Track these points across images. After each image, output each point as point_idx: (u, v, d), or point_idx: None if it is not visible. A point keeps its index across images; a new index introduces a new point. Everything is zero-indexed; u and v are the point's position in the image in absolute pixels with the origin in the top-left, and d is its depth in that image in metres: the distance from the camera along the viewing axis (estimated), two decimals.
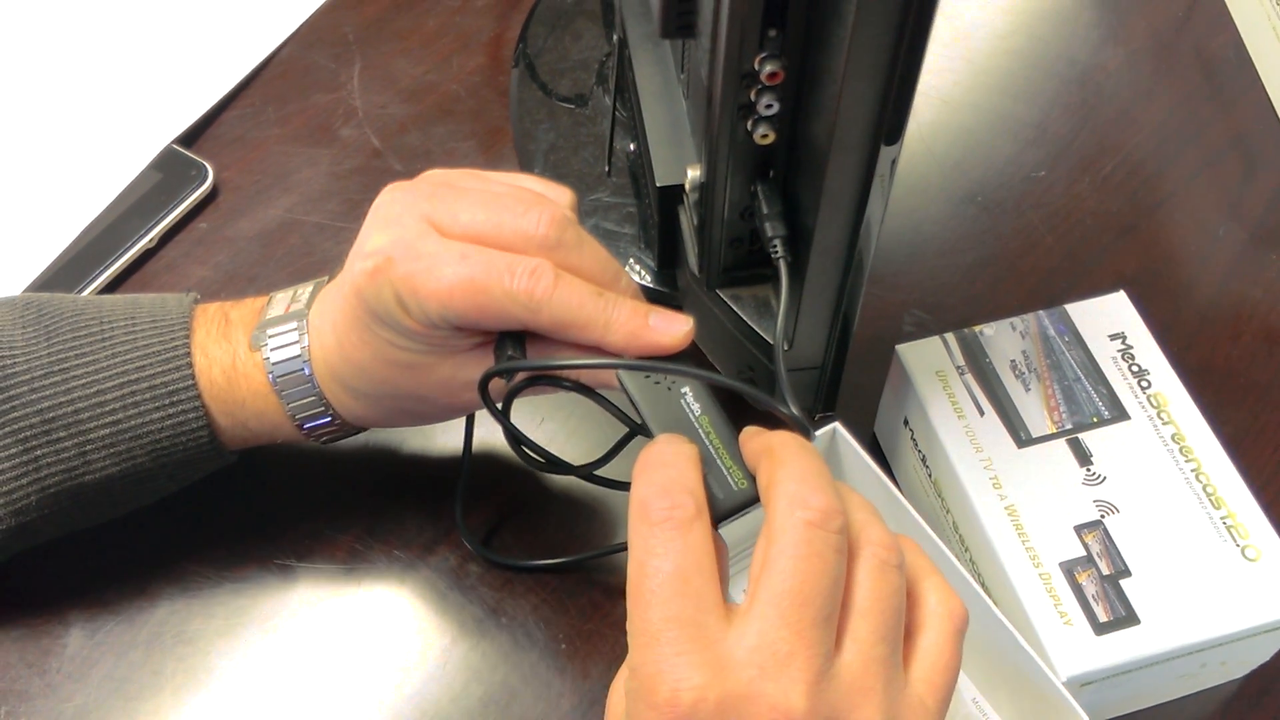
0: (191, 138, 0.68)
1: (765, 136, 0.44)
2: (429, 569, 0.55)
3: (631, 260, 0.61)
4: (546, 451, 0.50)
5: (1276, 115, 0.69)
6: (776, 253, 0.45)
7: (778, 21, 0.41)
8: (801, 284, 0.46)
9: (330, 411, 0.50)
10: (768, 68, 0.41)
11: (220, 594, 0.55)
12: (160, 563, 0.55)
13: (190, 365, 0.48)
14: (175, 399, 0.48)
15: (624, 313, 0.43)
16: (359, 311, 0.45)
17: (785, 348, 0.47)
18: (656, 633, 0.35)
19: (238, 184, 0.67)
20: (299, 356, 0.48)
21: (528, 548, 0.56)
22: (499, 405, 0.46)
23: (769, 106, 0.43)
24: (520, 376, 0.44)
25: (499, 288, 0.42)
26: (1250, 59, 0.71)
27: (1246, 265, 0.64)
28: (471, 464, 0.56)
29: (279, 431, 0.50)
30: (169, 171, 0.66)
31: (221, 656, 0.53)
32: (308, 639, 0.54)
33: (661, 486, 0.37)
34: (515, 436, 0.48)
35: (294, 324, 0.48)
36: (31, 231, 0.64)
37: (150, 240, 0.64)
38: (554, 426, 0.59)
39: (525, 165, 0.66)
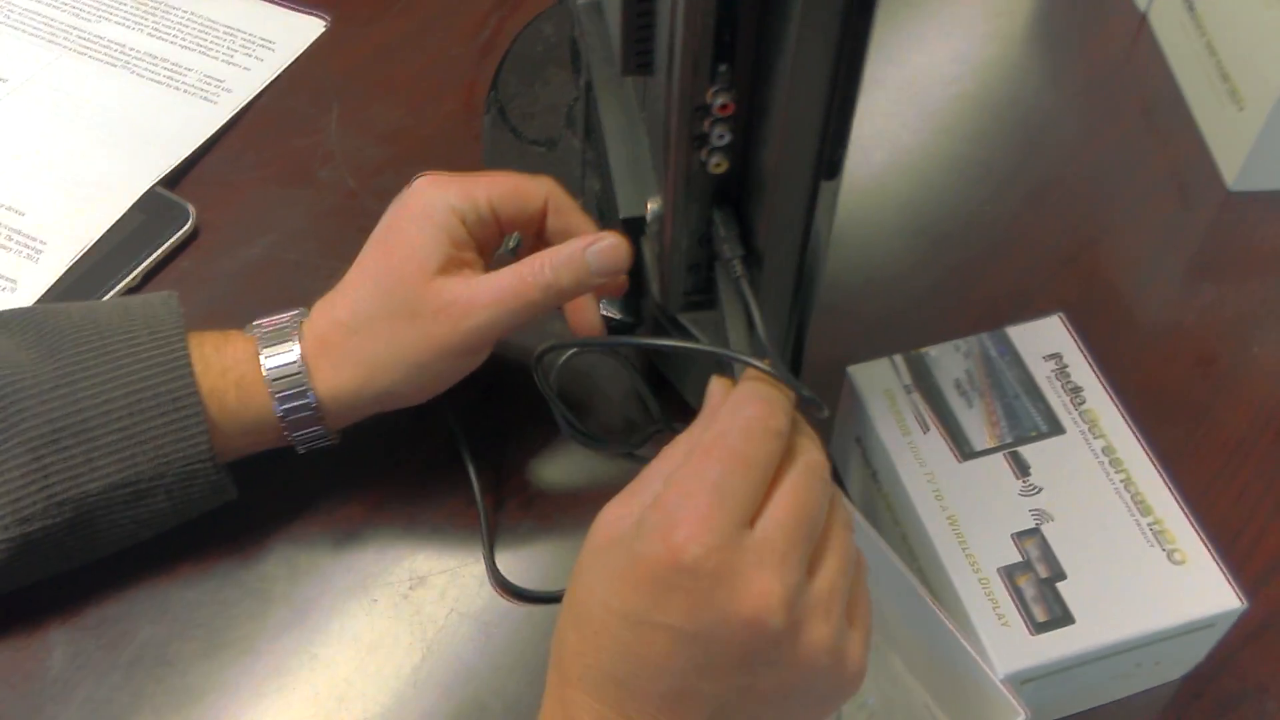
0: (174, 180, 0.71)
1: (719, 165, 0.47)
2: (402, 590, 0.57)
3: None
4: (588, 430, 0.55)
5: (1209, 152, 0.73)
6: (736, 271, 0.48)
7: (727, 57, 0.44)
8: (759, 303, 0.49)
9: (311, 391, 0.53)
10: (719, 100, 0.44)
11: (200, 617, 0.57)
12: (142, 587, 0.57)
13: (191, 374, 0.52)
14: (179, 405, 0.52)
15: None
16: (401, 217, 0.54)
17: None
18: (705, 488, 0.40)
19: (219, 224, 0.70)
20: (289, 328, 0.54)
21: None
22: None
23: (721, 137, 0.46)
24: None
25: (529, 180, 0.56)
26: (1185, 99, 0.75)
27: (1181, 293, 0.68)
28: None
29: (265, 422, 0.54)
30: (152, 213, 0.69)
31: (201, 678, 0.55)
32: (284, 659, 0.56)
33: (765, 401, 0.43)
34: (563, 415, 0.54)
35: (290, 314, 0.55)
36: (18, 270, 0.66)
37: (133, 279, 0.66)
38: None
39: None
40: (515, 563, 0.58)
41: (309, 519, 0.59)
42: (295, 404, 0.53)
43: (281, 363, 0.53)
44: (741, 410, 0.43)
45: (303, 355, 0.53)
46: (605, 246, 0.53)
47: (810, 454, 0.43)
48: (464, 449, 0.60)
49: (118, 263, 0.67)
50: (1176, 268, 0.69)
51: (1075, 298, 0.66)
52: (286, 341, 0.54)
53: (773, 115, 0.44)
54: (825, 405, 0.45)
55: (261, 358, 0.53)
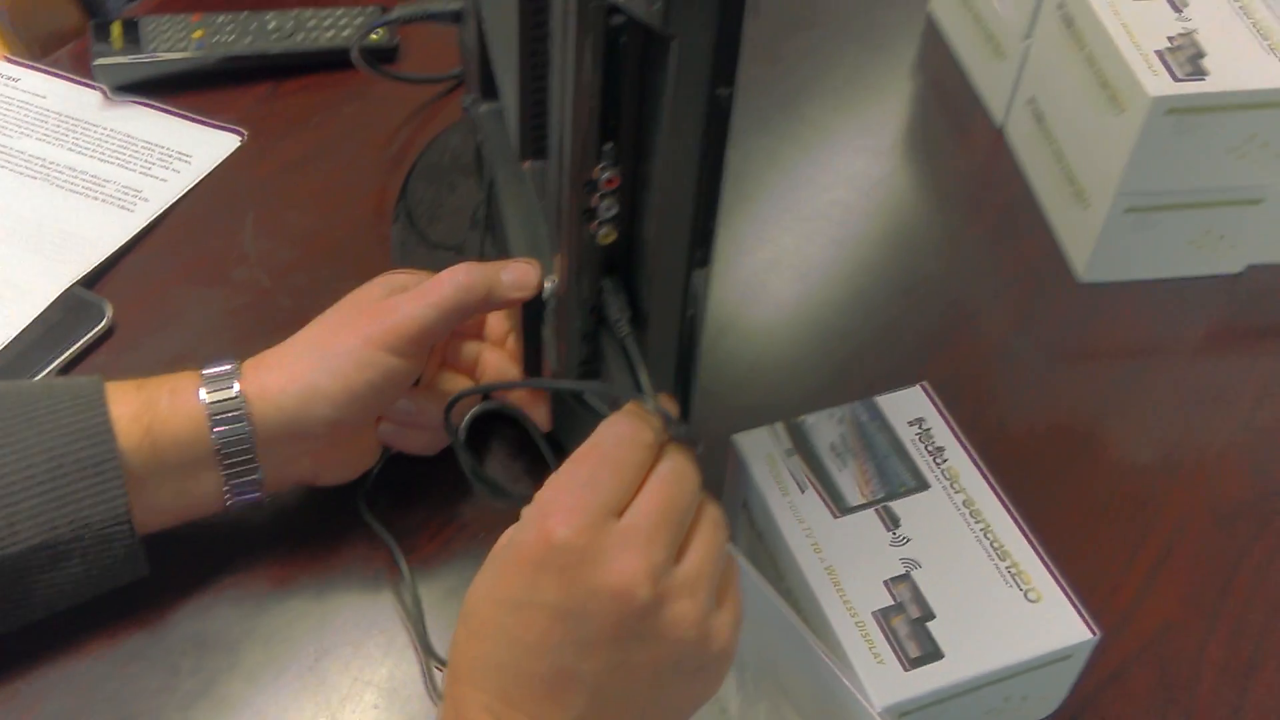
0: (92, 281, 0.74)
1: (607, 235, 0.52)
2: (308, 662, 0.59)
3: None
4: (497, 481, 0.58)
5: (1060, 247, 0.80)
6: (623, 331, 0.52)
7: (612, 136, 0.49)
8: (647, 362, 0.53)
9: (251, 429, 0.56)
10: (606, 174, 0.49)
11: (106, 691, 0.58)
12: (50, 662, 0.58)
13: (113, 439, 0.54)
14: (100, 469, 0.54)
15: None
16: (358, 294, 0.60)
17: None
18: (576, 483, 0.46)
19: (135, 322, 0.72)
20: (231, 373, 0.57)
21: None
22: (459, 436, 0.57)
23: (609, 209, 0.51)
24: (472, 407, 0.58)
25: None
26: (1038, 200, 0.82)
27: (1038, 372, 0.74)
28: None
29: (197, 478, 0.56)
30: (69, 310, 0.72)
31: None
32: None
33: (635, 418, 0.48)
34: (470, 466, 0.57)
35: (228, 364, 0.58)
36: None
37: (49, 372, 0.69)
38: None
39: None
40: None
41: (216, 592, 0.61)
42: (230, 426, 0.56)
43: (222, 396, 0.56)
44: (613, 425, 0.47)
45: (242, 389, 0.56)
46: (517, 264, 0.58)
47: (676, 459, 0.48)
48: (373, 520, 0.63)
49: (34, 357, 0.69)
50: (1035, 350, 0.75)
51: (944, 377, 0.71)
52: (227, 382, 0.57)
53: (652, 186, 0.49)
54: (700, 441, 0.49)
55: (201, 393, 0.56)
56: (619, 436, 0.47)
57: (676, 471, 0.47)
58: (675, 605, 0.45)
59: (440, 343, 0.63)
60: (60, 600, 0.56)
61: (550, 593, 0.44)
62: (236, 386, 0.56)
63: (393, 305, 0.57)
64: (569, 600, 0.44)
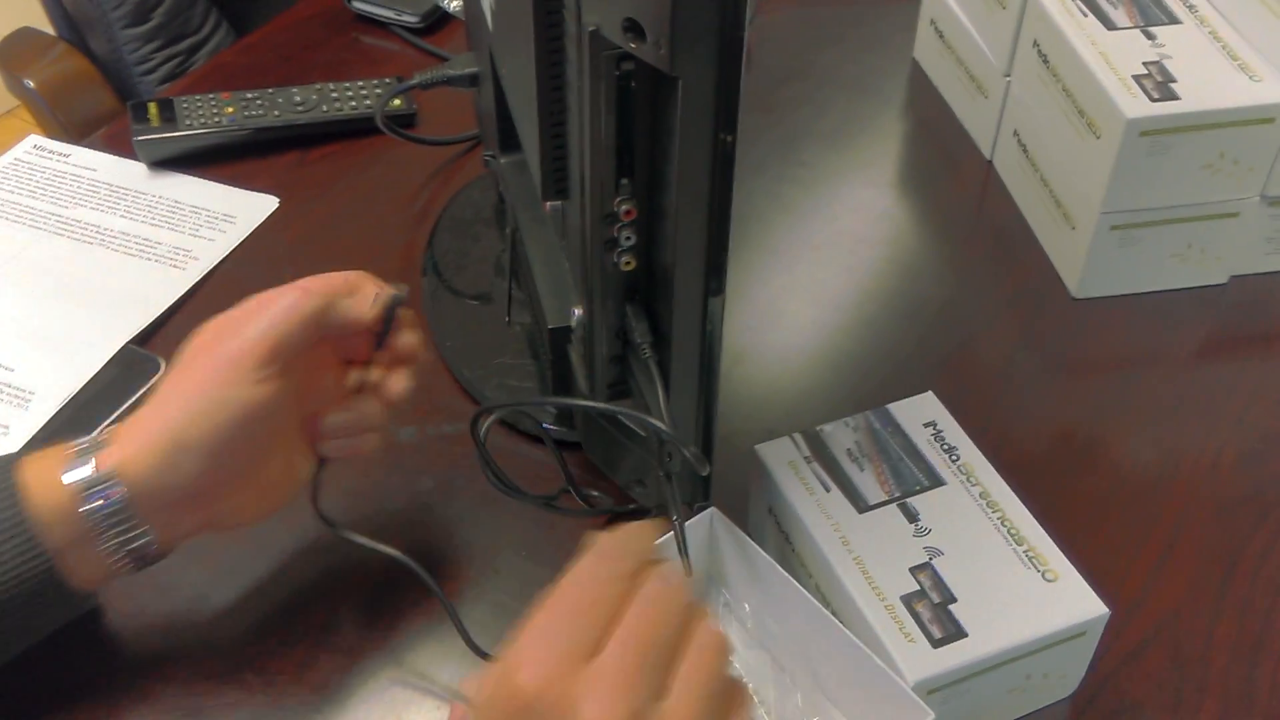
0: (146, 338, 0.79)
1: (628, 263, 0.56)
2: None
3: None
4: (512, 481, 0.61)
5: (1054, 268, 0.84)
6: (645, 354, 0.57)
7: (628, 172, 0.54)
8: (668, 382, 0.58)
9: (121, 502, 0.53)
10: (624, 207, 0.54)
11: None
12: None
13: (19, 501, 0.53)
14: (14, 532, 0.53)
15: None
16: (208, 326, 0.58)
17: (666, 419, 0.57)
18: (544, 635, 0.44)
19: None
20: (91, 445, 0.55)
21: None
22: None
23: (628, 239, 0.55)
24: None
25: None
26: (1029, 225, 0.87)
27: (1039, 383, 0.78)
28: None
29: (90, 547, 0.54)
30: (126, 366, 0.76)
31: None
32: None
33: (608, 552, 0.46)
34: (487, 461, 0.61)
35: (88, 438, 0.56)
36: (9, 418, 0.73)
37: (110, 423, 0.73)
38: None
39: (438, 341, 0.78)
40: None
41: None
42: (95, 504, 0.54)
43: (79, 476, 0.54)
44: (582, 565, 0.46)
45: (102, 463, 0.54)
46: (361, 289, 0.59)
47: (655, 584, 0.45)
48: (383, 546, 0.63)
49: (96, 409, 0.74)
50: (1034, 364, 0.79)
51: (950, 392, 0.75)
52: (86, 458, 0.55)
53: (668, 215, 0.53)
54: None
55: (65, 475, 0.54)
56: (591, 575, 0.45)
57: (653, 598, 0.45)
58: None
59: (335, 349, 0.61)
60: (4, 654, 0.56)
61: None
62: (93, 463, 0.54)
63: (234, 330, 0.55)
64: None
